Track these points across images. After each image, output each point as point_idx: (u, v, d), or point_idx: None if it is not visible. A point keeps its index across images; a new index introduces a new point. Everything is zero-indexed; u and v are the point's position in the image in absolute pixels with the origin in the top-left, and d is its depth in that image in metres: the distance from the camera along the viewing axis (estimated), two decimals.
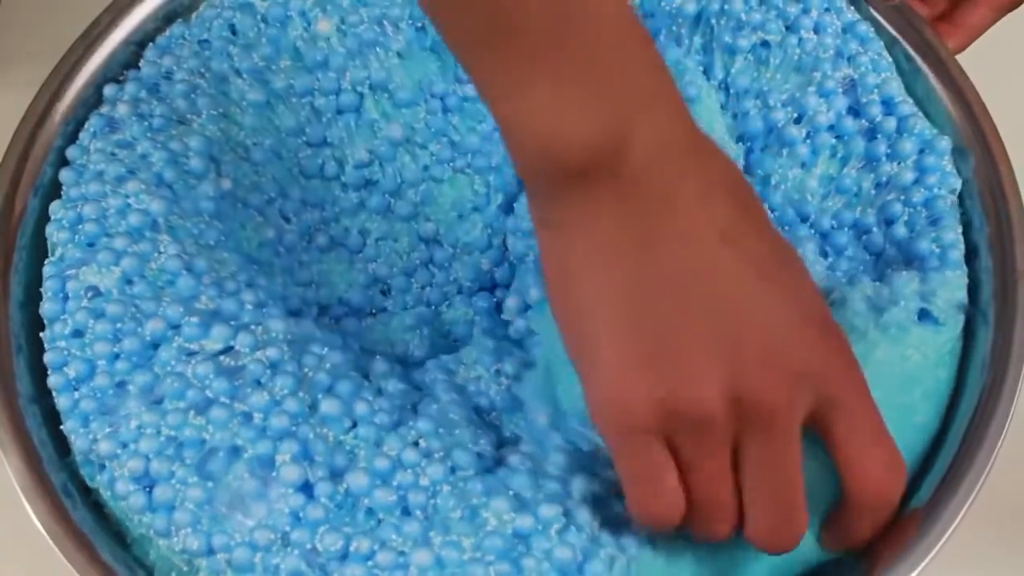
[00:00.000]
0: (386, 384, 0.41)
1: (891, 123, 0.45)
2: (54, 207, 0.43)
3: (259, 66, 0.46)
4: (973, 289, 0.43)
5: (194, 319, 0.41)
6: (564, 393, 0.41)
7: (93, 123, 0.45)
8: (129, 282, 0.41)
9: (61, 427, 0.41)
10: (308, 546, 0.38)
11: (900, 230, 0.44)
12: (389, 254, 0.46)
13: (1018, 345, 0.42)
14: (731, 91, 0.47)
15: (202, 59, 0.47)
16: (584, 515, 0.38)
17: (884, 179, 0.45)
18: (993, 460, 0.40)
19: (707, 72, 0.47)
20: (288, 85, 0.46)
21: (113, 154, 0.44)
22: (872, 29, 0.47)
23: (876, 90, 0.46)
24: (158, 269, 0.42)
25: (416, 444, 0.39)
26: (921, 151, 0.45)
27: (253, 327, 0.41)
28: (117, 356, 0.40)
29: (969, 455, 0.40)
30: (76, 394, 0.40)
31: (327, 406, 0.39)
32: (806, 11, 0.46)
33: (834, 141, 0.46)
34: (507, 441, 0.41)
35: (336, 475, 0.38)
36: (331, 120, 0.46)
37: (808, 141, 0.46)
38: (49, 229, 0.43)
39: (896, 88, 0.46)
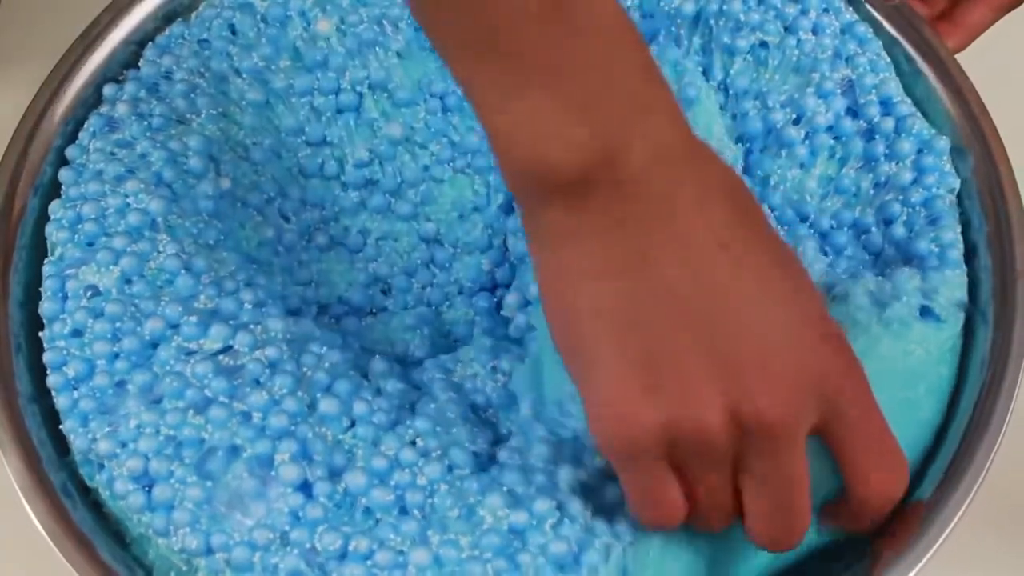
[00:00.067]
0: (385, 384, 0.42)
1: (889, 123, 0.45)
2: (53, 206, 0.44)
3: (259, 66, 0.46)
4: (972, 288, 0.44)
5: (193, 318, 0.41)
6: (548, 381, 0.41)
7: (92, 123, 0.45)
8: (128, 281, 0.41)
9: (60, 427, 0.41)
10: (307, 545, 0.38)
11: (899, 230, 0.44)
12: (390, 254, 0.46)
13: (1017, 344, 0.42)
14: (730, 92, 0.47)
15: (202, 59, 0.47)
16: (576, 506, 0.38)
17: (883, 179, 0.45)
18: (992, 459, 0.40)
19: (706, 73, 0.47)
20: (288, 85, 0.46)
21: (112, 153, 0.44)
22: (870, 30, 0.47)
23: (874, 90, 0.46)
24: (157, 268, 0.42)
25: (413, 443, 0.39)
26: (919, 151, 0.45)
27: (252, 326, 0.41)
28: (116, 355, 0.40)
29: (968, 454, 0.41)
30: (75, 393, 0.40)
31: (325, 405, 0.39)
32: (804, 12, 0.46)
33: (832, 142, 0.46)
34: (503, 438, 0.41)
35: (335, 474, 0.39)
36: (331, 120, 0.47)
37: (807, 142, 0.46)
38: (48, 228, 0.43)
39: (894, 88, 0.46)
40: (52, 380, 0.41)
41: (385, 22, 0.47)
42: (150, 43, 0.47)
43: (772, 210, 0.45)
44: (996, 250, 0.43)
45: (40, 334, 0.42)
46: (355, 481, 0.38)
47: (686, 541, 0.39)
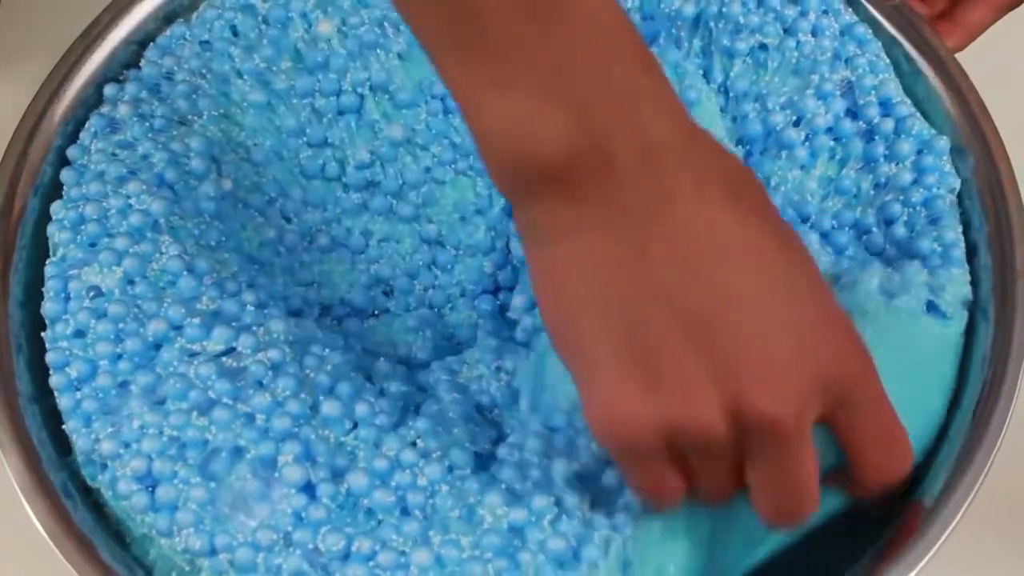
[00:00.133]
0: (388, 385, 0.42)
1: (889, 124, 0.45)
2: (55, 207, 0.43)
3: (260, 67, 0.46)
4: (973, 287, 0.44)
5: (196, 320, 0.41)
6: (550, 372, 0.40)
7: (94, 123, 0.45)
8: (131, 282, 0.41)
9: (62, 427, 0.41)
10: (310, 546, 0.38)
11: (900, 230, 0.44)
12: (392, 255, 0.46)
13: (1017, 344, 0.42)
14: (730, 94, 0.47)
15: (203, 60, 0.47)
16: (572, 500, 0.38)
17: (883, 180, 0.45)
18: (992, 459, 0.40)
19: (707, 75, 0.47)
20: (289, 86, 0.46)
21: (114, 154, 0.44)
22: (869, 31, 0.47)
23: (873, 91, 0.46)
24: (160, 270, 0.42)
25: (414, 444, 0.39)
26: (919, 151, 0.45)
27: (255, 328, 0.41)
28: (119, 356, 0.40)
29: (968, 454, 0.41)
30: (78, 394, 0.40)
31: (328, 407, 0.40)
32: (804, 14, 0.46)
33: (832, 143, 0.46)
34: (506, 437, 0.41)
35: (337, 476, 0.39)
36: (332, 121, 0.46)
37: (807, 144, 0.46)
38: (51, 229, 0.43)
39: (894, 89, 0.46)
40: (55, 380, 0.41)
41: (386, 24, 0.47)
42: (151, 44, 0.47)
43: None
44: (996, 249, 0.44)
45: (42, 334, 0.42)
46: (357, 482, 0.38)
47: (688, 528, 0.38)
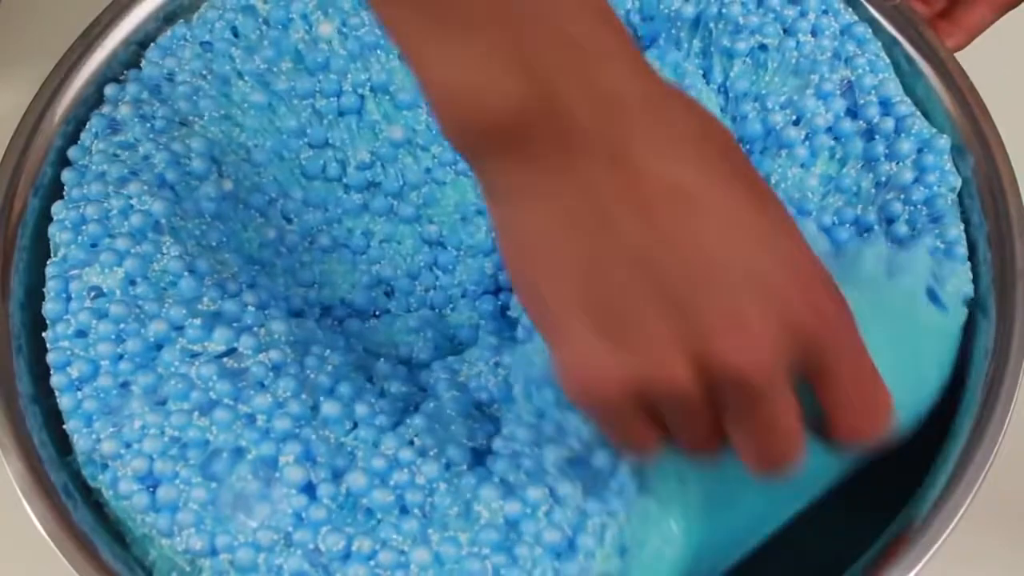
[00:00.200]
0: (389, 386, 0.42)
1: (889, 123, 0.45)
2: (56, 208, 0.43)
3: (261, 68, 0.46)
4: (974, 284, 0.44)
5: (197, 321, 0.41)
6: (539, 354, 0.40)
7: (94, 123, 0.45)
8: (132, 283, 0.41)
9: (63, 427, 0.41)
10: (311, 546, 0.38)
11: (901, 228, 0.44)
12: (393, 256, 0.46)
13: (1018, 344, 0.42)
14: (730, 95, 0.47)
15: (204, 61, 0.47)
16: (565, 488, 0.38)
17: (883, 178, 0.45)
18: (992, 459, 0.40)
19: (706, 76, 0.47)
20: (290, 87, 0.46)
21: (115, 155, 0.44)
22: (869, 30, 0.47)
23: (873, 91, 0.46)
24: (161, 270, 0.42)
25: (412, 443, 0.39)
26: (920, 150, 0.45)
27: (256, 329, 0.41)
28: (120, 357, 0.40)
29: (968, 454, 0.41)
30: (79, 394, 0.40)
31: (328, 408, 0.40)
32: (803, 14, 0.46)
33: (833, 143, 0.46)
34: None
35: (337, 476, 0.39)
36: (333, 122, 0.47)
37: (807, 143, 0.46)
38: (52, 229, 0.43)
39: (894, 89, 0.46)
40: (56, 381, 0.41)
41: None
42: (152, 44, 0.47)
43: None
44: (996, 249, 0.44)
45: (43, 335, 0.42)
46: (356, 482, 0.38)
47: (684, 508, 0.38)
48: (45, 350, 0.41)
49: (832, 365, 0.33)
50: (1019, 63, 0.56)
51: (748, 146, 0.46)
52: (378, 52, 0.46)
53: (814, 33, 0.46)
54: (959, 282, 0.43)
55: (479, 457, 0.40)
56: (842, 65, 0.46)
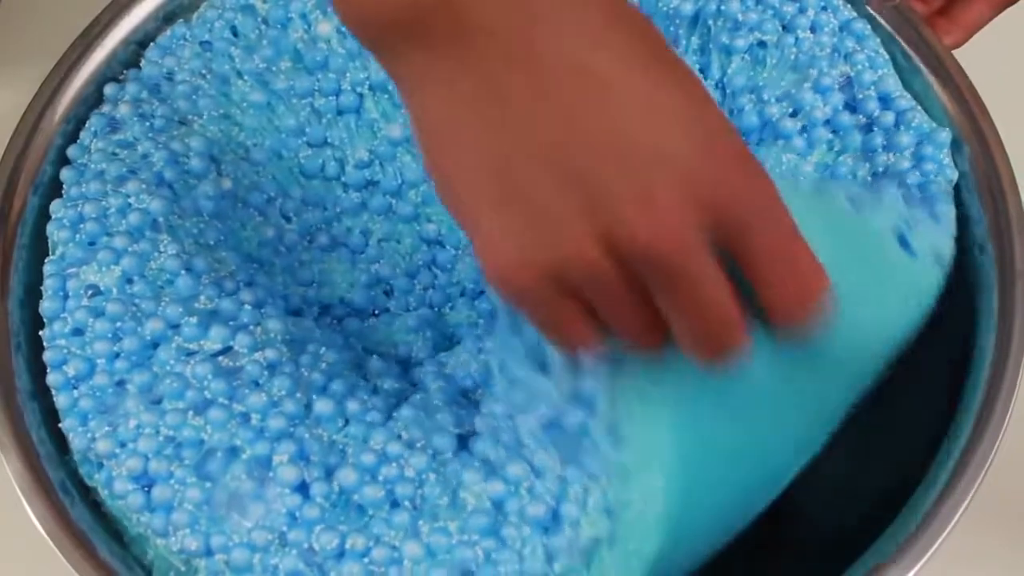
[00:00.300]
0: (382, 383, 0.42)
1: (889, 117, 0.45)
2: (55, 206, 0.44)
3: (260, 68, 0.46)
4: (972, 287, 0.43)
5: (193, 319, 0.41)
6: (508, 319, 0.39)
7: (94, 122, 0.45)
8: (129, 281, 0.42)
9: (60, 425, 0.41)
10: (305, 546, 0.38)
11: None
12: (392, 255, 0.46)
13: (1017, 344, 0.42)
14: (727, 91, 0.47)
15: (204, 60, 0.47)
16: (543, 458, 0.38)
17: (880, 168, 0.44)
18: (992, 459, 0.40)
19: (703, 72, 0.47)
20: (289, 86, 0.46)
21: (114, 154, 0.44)
22: (868, 27, 0.47)
23: (873, 87, 0.45)
24: (158, 268, 0.42)
25: (400, 437, 0.39)
26: (919, 143, 0.45)
27: (252, 327, 0.41)
28: (116, 355, 0.40)
29: (968, 454, 0.40)
30: (75, 392, 0.40)
31: (320, 406, 0.40)
32: (803, 10, 0.46)
33: (831, 136, 0.45)
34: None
35: (330, 474, 0.39)
36: (331, 121, 0.47)
37: (804, 135, 0.45)
38: (50, 228, 0.43)
39: (893, 84, 0.46)
40: (52, 379, 0.41)
41: None
42: (152, 43, 0.47)
43: None
44: (996, 248, 0.43)
45: (40, 333, 0.42)
46: (347, 479, 0.38)
47: (660, 460, 0.37)
48: (43, 348, 0.42)
49: (752, 240, 0.32)
50: (1017, 60, 0.55)
51: (745, 138, 0.46)
52: None
53: (813, 30, 0.46)
54: (931, 234, 0.41)
55: (464, 442, 0.40)
56: (841, 61, 0.46)
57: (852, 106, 0.45)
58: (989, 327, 0.43)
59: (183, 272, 0.42)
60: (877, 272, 0.39)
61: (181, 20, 0.48)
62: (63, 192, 0.44)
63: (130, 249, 0.42)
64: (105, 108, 0.46)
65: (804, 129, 0.45)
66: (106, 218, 0.43)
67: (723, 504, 0.39)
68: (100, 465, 0.40)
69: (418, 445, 0.39)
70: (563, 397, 0.38)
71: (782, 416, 0.38)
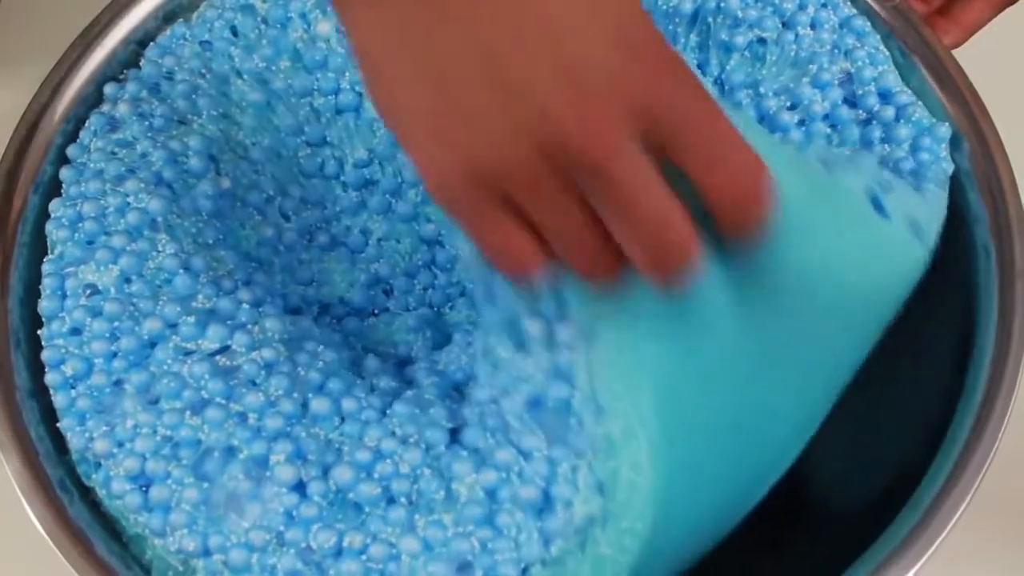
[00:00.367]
0: (378, 381, 0.42)
1: (889, 112, 0.45)
2: (54, 205, 0.44)
3: (259, 67, 0.46)
4: (972, 287, 0.43)
5: (191, 318, 0.41)
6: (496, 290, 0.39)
7: (93, 121, 0.45)
8: (127, 280, 0.42)
9: (58, 424, 0.41)
10: (303, 545, 0.38)
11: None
12: (391, 254, 0.46)
13: (1017, 344, 0.42)
14: (726, 87, 0.47)
15: (203, 60, 0.47)
16: (529, 440, 0.38)
17: (878, 159, 0.45)
18: (992, 459, 0.40)
19: (702, 68, 0.47)
20: (288, 85, 0.46)
21: (113, 153, 0.44)
22: (868, 23, 0.46)
23: (873, 83, 0.45)
24: (156, 268, 0.42)
25: (394, 433, 0.39)
26: (917, 136, 0.45)
27: (250, 327, 0.41)
28: (114, 355, 0.40)
29: (968, 453, 0.40)
30: (73, 392, 0.40)
31: (317, 405, 0.40)
32: (802, 7, 0.46)
33: (829, 131, 0.45)
34: None
35: (327, 472, 0.39)
36: (330, 120, 0.47)
37: (802, 128, 0.45)
38: (49, 227, 0.43)
39: (893, 80, 0.46)
40: (50, 378, 0.41)
41: None
42: (152, 43, 0.47)
43: None
44: (996, 248, 0.43)
45: (39, 332, 0.42)
46: (343, 476, 0.38)
47: (650, 435, 0.37)
48: (42, 347, 0.42)
49: (687, 138, 0.32)
50: (1017, 60, 0.55)
51: None
52: None
53: (813, 26, 0.46)
54: (907, 201, 0.41)
55: (456, 435, 0.40)
56: (841, 57, 0.46)
57: (851, 101, 0.45)
58: (989, 327, 0.43)
59: (181, 271, 0.41)
60: (851, 225, 0.38)
61: (181, 20, 0.48)
62: (62, 191, 0.44)
63: (128, 248, 0.42)
64: (105, 107, 0.46)
65: (802, 123, 0.45)
66: (105, 217, 0.43)
67: (714, 482, 0.39)
68: (98, 465, 0.40)
69: (412, 440, 0.39)
70: (542, 373, 0.38)
71: (766, 384, 0.38)
